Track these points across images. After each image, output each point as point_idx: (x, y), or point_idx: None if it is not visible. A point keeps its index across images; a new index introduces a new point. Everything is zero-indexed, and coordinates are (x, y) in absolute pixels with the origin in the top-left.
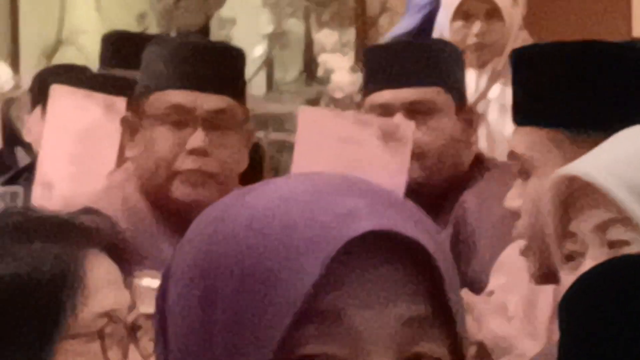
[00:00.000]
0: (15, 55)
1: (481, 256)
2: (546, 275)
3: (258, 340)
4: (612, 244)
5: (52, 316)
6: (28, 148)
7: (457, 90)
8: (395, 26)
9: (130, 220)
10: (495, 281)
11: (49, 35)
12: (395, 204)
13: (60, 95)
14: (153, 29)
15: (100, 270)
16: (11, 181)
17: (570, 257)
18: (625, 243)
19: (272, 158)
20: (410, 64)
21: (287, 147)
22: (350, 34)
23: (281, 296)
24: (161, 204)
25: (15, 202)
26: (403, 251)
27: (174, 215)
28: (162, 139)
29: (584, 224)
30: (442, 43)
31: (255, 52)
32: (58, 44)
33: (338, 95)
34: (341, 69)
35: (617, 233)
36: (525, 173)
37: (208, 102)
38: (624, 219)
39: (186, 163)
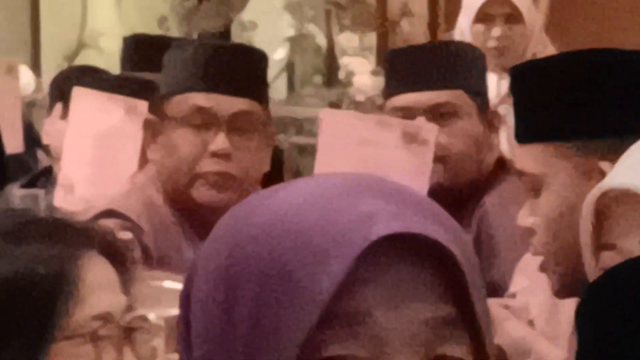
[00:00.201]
0: (37, 58)
1: (503, 259)
2: (568, 289)
3: (281, 342)
4: None
5: (46, 318)
6: (48, 150)
7: (479, 93)
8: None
9: (152, 223)
10: (517, 284)
11: (70, 39)
12: (419, 205)
13: (82, 97)
14: (174, 32)
15: (95, 273)
16: (31, 184)
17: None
18: None
19: (292, 161)
20: (432, 66)
21: (307, 151)
22: (371, 37)
23: (304, 298)
24: (183, 207)
25: (37, 205)
26: (426, 252)
27: (196, 218)
28: (184, 141)
29: (629, 234)
30: (464, 46)
31: (276, 56)
32: (79, 47)
33: (359, 98)
34: (362, 73)
35: None
36: (535, 190)
37: (230, 104)
38: None
39: (208, 166)
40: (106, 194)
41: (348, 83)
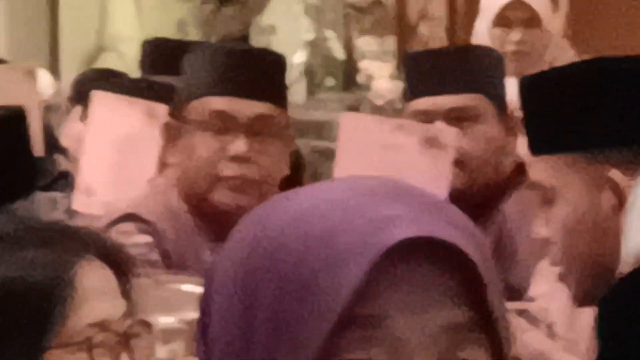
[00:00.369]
0: (56, 62)
1: (522, 263)
2: (587, 297)
3: (298, 346)
4: None
5: (40, 324)
6: (66, 154)
7: (498, 97)
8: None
9: (171, 226)
10: (536, 288)
11: (89, 42)
12: (438, 210)
13: (101, 101)
14: (193, 36)
15: (92, 279)
16: (49, 187)
17: None
18: None
19: (311, 165)
20: (452, 70)
21: (326, 154)
22: (391, 41)
23: (322, 302)
24: (202, 210)
25: (55, 209)
26: (445, 257)
27: (215, 221)
28: (204, 145)
29: None
30: (484, 49)
31: (295, 60)
32: (98, 50)
33: (379, 102)
34: (382, 77)
35: None
36: (548, 201)
37: (249, 108)
38: None
39: (227, 169)
40: (125, 197)
41: (367, 87)
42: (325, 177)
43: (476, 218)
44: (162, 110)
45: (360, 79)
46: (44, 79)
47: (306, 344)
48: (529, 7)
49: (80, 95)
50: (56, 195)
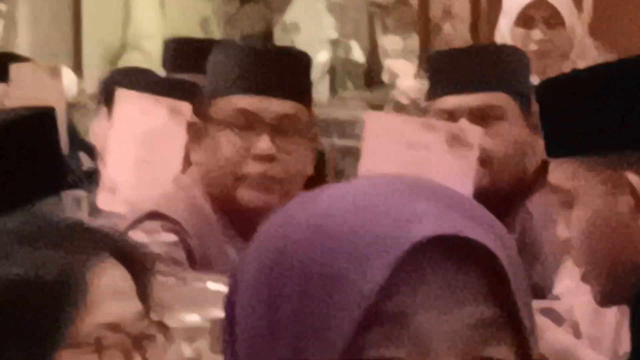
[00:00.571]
0: (79, 60)
1: (546, 261)
2: (611, 298)
3: (323, 343)
4: None
5: (52, 324)
6: (90, 152)
7: (522, 95)
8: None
9: (196, 225)
10: (561, 286)
11: (113, 41)
12: (463, 207)
13: (125, 99)
14: (216, 34)
15: (107, 280)
16: (74, 186)
17: None
18: None
19: (335, 164)
20: (476, 69)
21: (350, 153)
22: (414, 40)
23: (346, 299)
24: (227, 209)
25: (79, 207)
26: (470, 254)
27: (240, 220)
28: (228, 143)
29: None
30: (508, 48)
31: (318, 58)
32: (122, 49)
33: (402, 100)
34: (406, 75)
35: None
36: (568, 204)
37: (274, 106)
38: None
39: (252, 168)
40: (150, 195)
41: (391, 85)
42: (348, 175)
43: (501, 216)
44: (186, 108)
45: (384, 77)
46: (68, 78)
47: (332, 341)
48: (551, 7)
49: (108, 93)
50: (80, 194)
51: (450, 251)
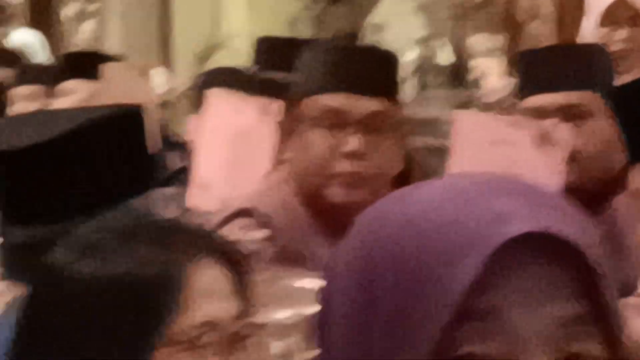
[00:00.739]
0: (169, 59)
1: (632, 259)
2: None
3: (416, 339)
4: None
5: (149, 323)
6: (181, 150)
7: (610, 94)
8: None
9: (286, 222)
10: None
11: (202, 39)
12: (552, 205)
13: (217, 98)
14: (304, 34)
15: (204, 279)
16: (164, 184)
17: None
18: None
19: (422, 162)
20: (564, 68)
21: (435, 152)
22: (500, 39)
23: (439, 295)
24: (317, 206)
25: (169, 205)
26: (559, 251)
27: (329, 218)
28: (318, 142)
29: None
30: (595, 47)
31: (406, 57)
32: (211, 48)
33: (489, 99)
34: (492, 74)
35: None
36: None
37: (363, 105)
38: None
39: (342, 166)
40: (240, 193)
41: (478, 85)
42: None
43: (588, 213)
44: (276, 106)
45: (471, 76)
46: (160, 76)
47: (424, 337)
48: (632, 7)
49: (202, 92)
50: (171, 192)
51: (540, 248)
